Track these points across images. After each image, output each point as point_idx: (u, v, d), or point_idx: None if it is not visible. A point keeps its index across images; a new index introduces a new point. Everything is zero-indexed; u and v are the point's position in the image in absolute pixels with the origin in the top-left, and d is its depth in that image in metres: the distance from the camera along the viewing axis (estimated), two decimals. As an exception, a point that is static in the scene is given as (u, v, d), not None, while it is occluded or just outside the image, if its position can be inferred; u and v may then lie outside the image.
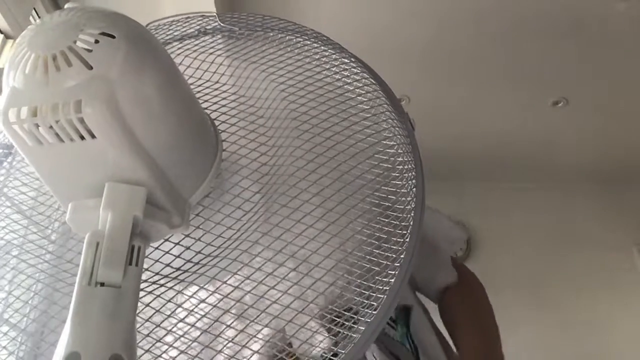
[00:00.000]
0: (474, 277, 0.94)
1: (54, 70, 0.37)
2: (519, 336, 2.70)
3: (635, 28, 2.01)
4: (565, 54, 2.15)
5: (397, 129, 0.52)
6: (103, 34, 0.38)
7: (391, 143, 0.52)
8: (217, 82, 0.59)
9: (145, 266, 0.42)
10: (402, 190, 0.49)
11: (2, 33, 1.06)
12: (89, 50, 0.37)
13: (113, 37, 0.38)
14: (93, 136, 0.37)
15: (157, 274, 0.47)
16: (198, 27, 0.63)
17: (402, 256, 0.45)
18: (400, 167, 0.51)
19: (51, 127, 0.37)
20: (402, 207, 0.49)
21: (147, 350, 0.42)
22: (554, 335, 2.66)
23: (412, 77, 2.20)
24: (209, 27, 0.63)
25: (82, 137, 0.37)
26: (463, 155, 2.83)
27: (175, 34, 0.64)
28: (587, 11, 1.93)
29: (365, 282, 0.45)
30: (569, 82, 2.33)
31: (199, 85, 0.59)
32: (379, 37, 2.00)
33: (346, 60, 0.56)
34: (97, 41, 0.38)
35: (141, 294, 0.42)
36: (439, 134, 2.54)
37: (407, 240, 0.46)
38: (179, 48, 0.61)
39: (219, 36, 0.62)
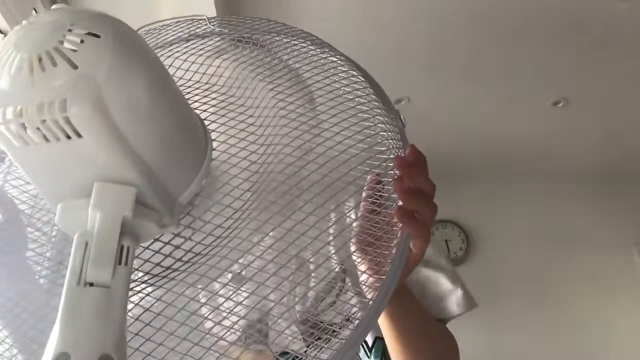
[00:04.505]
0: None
1: (39, 70, 0.37)
2: (518, 335, 2.70)
3: (636, 28, 2.01)
4: (565, 54, 2.15)
5: (387, 125, 0.52)
6: (89, 34, 0.38)
7: (382, 141, 0.52)
8: (206, 83, 0.59)
9: (135, 265, 0.42)
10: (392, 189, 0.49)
11: (2, 33, 1.07)
12: (75, 51, 0.37)
13: (99, 37, 0.38)
14: (79, 135, 0.37)
15: (147, 273, 0.47)
16: (188, 30, 0.64)
17: (393, 252, 0.46)
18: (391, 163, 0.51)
19: (38, 128, 0.37)
20: (393, 203, 0.49)
21: (136, 349, 0.42)
22: (553, 334, 2.66)
23: (412, 77, 2.21)
24: (199, 30, 0.63)
25: (69, 137, 0.37)
26: (463, 155, 2.83)
27: (166, 38, 0.64)
28: (588, 11, 1.93)
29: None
30: (569, 82, 2.33)
31: (189, 87, 0.59)
32: (379, 37, 2.00)
33: (334, 59, 0.56)
34: (82, 41, 0.38)
35: (131, 293, 0.42)
36: (439, 134, 2.55)
37: (398, 236, 0.47)
38: (169, 51, 0.62)
39: (208, 39, 0.63)
